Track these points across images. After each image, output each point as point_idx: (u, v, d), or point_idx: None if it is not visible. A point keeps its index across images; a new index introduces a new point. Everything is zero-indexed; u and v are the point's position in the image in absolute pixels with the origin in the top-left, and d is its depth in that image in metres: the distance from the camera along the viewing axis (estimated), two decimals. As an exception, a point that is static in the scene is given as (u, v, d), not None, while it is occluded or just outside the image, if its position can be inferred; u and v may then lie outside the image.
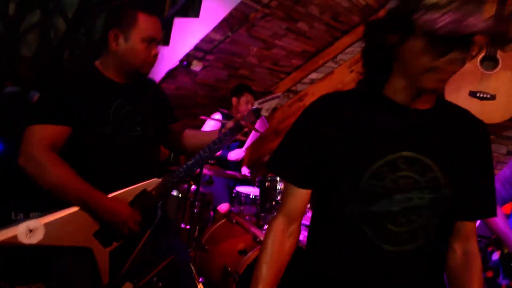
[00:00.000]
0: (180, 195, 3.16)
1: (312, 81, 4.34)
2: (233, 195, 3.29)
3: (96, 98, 1.51)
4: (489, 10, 2.83)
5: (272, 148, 4.50)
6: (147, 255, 1.58)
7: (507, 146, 3.32)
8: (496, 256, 1.96)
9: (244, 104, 3.46)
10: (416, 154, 0.96)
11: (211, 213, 3.37)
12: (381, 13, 1.03)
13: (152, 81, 1.79)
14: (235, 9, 3.07)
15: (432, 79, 0.91)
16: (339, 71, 4.17)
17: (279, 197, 2.75)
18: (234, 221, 2.67)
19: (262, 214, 2.83)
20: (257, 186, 2.95)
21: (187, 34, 3.29)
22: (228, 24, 3.22)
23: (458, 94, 3.07)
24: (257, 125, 1.87)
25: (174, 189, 2.95)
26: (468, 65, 3.04)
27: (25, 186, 2.20)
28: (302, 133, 1.05)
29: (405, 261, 0.97)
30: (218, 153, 3.30)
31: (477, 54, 3.03)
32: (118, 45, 1.54)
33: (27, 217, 2.04)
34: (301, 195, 1.07)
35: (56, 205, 1.44)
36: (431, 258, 1.01)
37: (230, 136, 1.64)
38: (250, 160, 3.64)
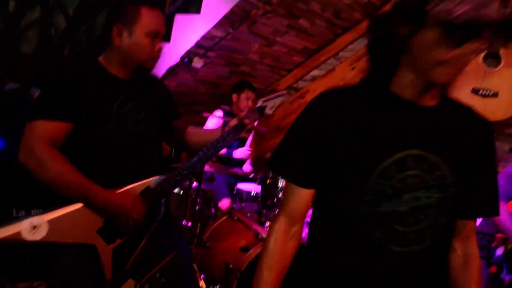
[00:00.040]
0: (181, 192, 3.16)
1: (314, 78, 4.33)
2: (234, 192, 3.29)
3: (100, 95, 1.50)
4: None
5: (273, 146, 4.49)
6: (150, 252, 1.57)
7: (509, 143, 3.31)
8: (500, 251, 1.96)
9: (244, 100, 3.46)
10: (424, 152, 0.94)
11: (213, 210, 3.37)
12: (383, 10, 1.00)
13: (155, 77, 1.78)
14: (236, 5, 3.05)
15: (445, 72, 0.88)
16: (341, 68, 4.16)
17: (280, 194, 2.74)
18: (235, 218, 2.67)
19: (264, 211, 2.83)
20: (259, 183, 2.94)
21: (188, 31, 3.27)
22: (229, 21, 3.20)
23: (460, 91, 3.06)
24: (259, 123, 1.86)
25: (177, 187, 2.95)
26: (470, 62, 3.02)
27: (26, 183, 2.19)
28: (303, 130, 1.02)
29: (412, 262, 0.95)
30: (223, 151, 3.31)
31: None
32: (122, 40, 1.52)
33: (28, 215, 2.04)
34: (304, 195, 1.04)
35: (57, 202, 1.43)
36: (437, 258, 1.00)
37: (234, 134, 1.64)
38: (252, 157, 3.63)
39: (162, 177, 1.59)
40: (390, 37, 0.92)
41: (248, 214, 2.91)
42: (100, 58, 1.59)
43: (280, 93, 1.69)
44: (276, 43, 3.79)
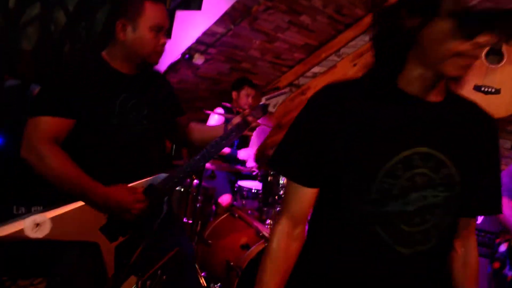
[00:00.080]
0: (182, 190, 3.15)
1: (315, 75, 4.32)
2: (235, 189, 3.28)
3: (102, 90, 1.49)
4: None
5: (275, 142, 4.49)
6: (152, 249, 1.56)
7: (511, 140, 3.30)
8: (503, 247, 1.97)
9: (244, 97, 3.46)
10: (431, 150, 0.91)
11: (213, 207, 3.36)
12: (386, 4, 0.96)
13: (159, 73, 1.77)
14: (237, 2, 3.04)
15: (457, 64, 0.85)
16: (342, 64, 4.14)
17: (281, 192, 2.74)
18: (236, 215, 2.66)
19: (265, 209, 2.82)
20: (260, 181, 2.93)
21: (189, 27, 3.26)
22: (230, 17, 3.19)
23: (462, 88, 3.04)
24: (262, 121, 1.85)
25: (180, 185, 2.95)
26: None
27: (26, 180, 2.19)
28: (304, 126, 0.98)
29: (417, 263, 0.93)
30: (227, 151, 3.32)
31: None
32: (126, 35, 1.51)
33: (28, 212, 2.04)
34: (306, 194, 0.99)
35: (58, 199, 1.43)
36: (441, 258, 0.99)
37: (237, 132, 1.63)
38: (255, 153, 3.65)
39: (165, 175, 1.58)
40: (397, 29, 0.88)
41: (249, 212, 2.90)
42: (103, 53, 1.57)
43: (283, 90, 1.69)
44: (277, 40, 3.78)
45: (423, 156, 0.91)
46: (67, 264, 1.46)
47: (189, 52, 3.29)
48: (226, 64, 3.84)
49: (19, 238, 1.34)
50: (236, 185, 3.30)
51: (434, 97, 0.94)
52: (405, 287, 0.94)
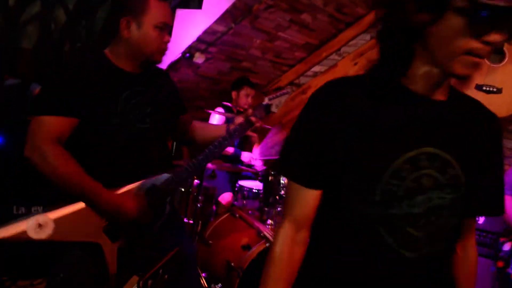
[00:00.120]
0: (183, 190, 3.14)
1: (315, 74, 4.30)
2: (236, 189, 3.27)
3: (105, 89, 1.48)
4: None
5: (275, 142, 4.48)
6: (153, 249, 1.56)
7: (513, 140, 3.29)
8: (507, 247, 1.97)
9: (243, 97, 3.46)
10: (438, 150, 0.88)
11: (214, 207, 3.35)
12: (380, 9, 0.94)
13: (162, 71, 1.76)
14: (238, 0, 3.02)
15: (467, 63, 0.82)
16: (343, 63, 4.13)
17: (282, 191, 2.73)
18: (237, 215, 2.65)
19: (266, 209, 2.81)
20: (260, 180, 2.92)
21: (190, 26, 3.25)
22: (231, 15, 3.17)
23: (463, 88, 3.03)
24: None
25: (183, 185, 2.94)
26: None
27: (26, 180, 2.18)
28: (305, 125, 0.95)
29: (422, 266, 0.91)
30: (231, 150, 3.31)
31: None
32: (130, 32, 1.50)
33: (28, 212, 2.03)
34: (309, 197, 0.95)
35: (58, 199, 1.42)
36: (446, 260, 0.97)
37: (240, 132, 1.63)
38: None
39: (167, 175, 1.57)
40: (404, 24, 0.84)
41: (250, 212, 2.89)
42: (106, 51, 1.56)
43: (285, 90, 1.69)
44: (278, 38, 3.76)
45: (430, 157, 0.88)
46: (68, 264, 1.45)
47: (190, 51, 3.28)
48: (227, 63, 3.83)
49: (22, 240, 1.33)
50: (236, 184, 3.29)
51: (439, 95, 0.91)
52: None
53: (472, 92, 3.01)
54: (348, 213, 0.91)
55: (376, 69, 0.90)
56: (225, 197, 3.31)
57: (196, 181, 2.89)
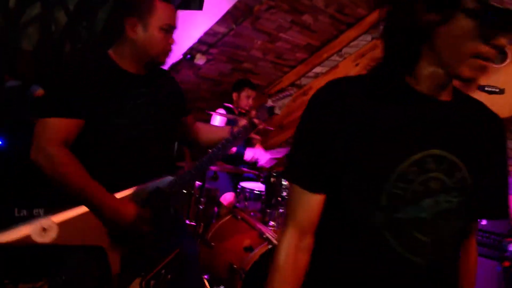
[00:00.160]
0: (185, 191, 3.13)
1: (317, 75, 4.30)
2: (238, 190, 3.26)
3: (110, 89, 1.47)
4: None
5: (276, 143, 4.47)
6: (155, 251, 1.55)
7: (516, 141, 3.28)
8: None
9: (244, 99, 3.46)
10: (444, 152, 0.85)
11: (215, 209, 3.34)
12: (385, 8, 0.92)
13: (166, 72, 1.76)
14: (239, 1, 3.02)
15: (475, 66, 0.80)
16: (344, 64, 4.12)
17: (284, 193, 2.71)
18: (239, 217, 2.64)
19: (268, 210, 2.79)
20: (262, 182, 2.90)
21: (191, 27, 3.24)
22: (232, 16, 3.17)
23: (465, 88, 3.02)
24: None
25: (187, 187, 2.93)
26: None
27: (27, 182, 2.17)
28: (306, 126, 0.91)
29: (431, 273, 0.88)
30: (233, 149, 3.30)
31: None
32: (136, 34, 1.50)
33: (30, 214, 2.02)
34: (313, 201, 0.91)
35: (59, 201, 1.41)
36: (454, 266, 0.94)
37: (244, 134, 1.63)
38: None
39: (171, 177, 1.57)
40: (412, 23, 0.81)
41: (252, 213, 2.88)
42: (110, 52, 1.55)
43: (288, 92, 1.68)
44: (279, 39, 3.76)
45: (436, 159, 0.85)
46: (70, 267, 1.44)
47: (191, 52, 3.28)
48: (228, 65, 3.82)
49: (28, 243, 1.32)
50: (238, 186, 3.28)
51: (444, 96, 0.89)
52: None
53: (474, 93, 3.00)
54: (352, 218, 0.88)
55: (379, 68, 0.88)
56: (227, 198, 3.30)
57: (198, 183, 2.88)
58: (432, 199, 0.85)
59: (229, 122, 3.27)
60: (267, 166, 3.50)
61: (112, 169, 1.47)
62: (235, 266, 2.26)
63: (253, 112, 1.64)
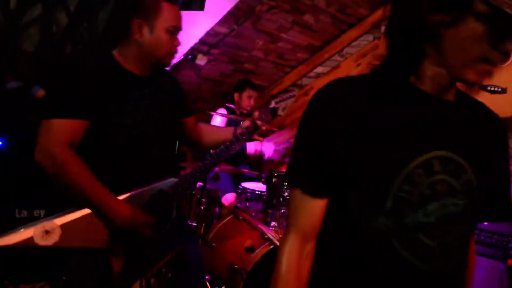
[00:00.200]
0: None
1: (318, 75, 4.29)
2: (239, 190, 3.25)
3: (114, 91, 1.46)
4: None
5: (277, 143, 4.46)
6: (160, 253, 1.54)
7: (518, 140, 3.27)
8: None
9: (246, 99, 3.46)
10: (450, 153, 0.83)
11: (217, 209, 3.33)
12: (389, 5, 0.88)
13: (169, 73, 1.75)
14: (240, 1, 3.02)
15: (481, 70, 0.78)
16: (345, 64, 4.11)
17: (286, 193, 2.70)
18: (240, 217, 2.63)
19: (269, 211, 2.78)
20: (264, 182, 2.90)
21: (192, 28, 3.24)
22: (233, 17, 3.17)
23: (469, 91, 3.01)
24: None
25: (190, 189, 2.92)
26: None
27: (28, 183, 2.16)
28: (307, 126, 0.89)
29: (437, 279, 0.85)
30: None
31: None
32: (142, 35, 1.49)
33: (31, 215, 2.01)
34: (316, 206, 0.88)
35: (60, 202, 1.41)
36: (461, 269, 0.91)
37: (247, 135, 1.62)
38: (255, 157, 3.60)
39: (175, 179, 1.57)
40: (419, 23, 0.79)
41: (253, 214, 2.87)
42: (114, 53, 1.54)
43: (291, 93, 1.68)
44: (280, 40, 3.75)
45: (443, 161, 0.82)
46: (71, 268, 1.44)
47: (192, 53, 3.27)
48: (229, 65, 3.82)
49: (30, 246, 1.32)
50: (239, 186, 3.27)
51: (448, 96, 0.87)
52: None
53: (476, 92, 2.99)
54: (355, 222, 0.85)
55: (382, 67, 0.86)
56: (228, 198, 3.29)
57: (199, 183, 2.87)
58: (439, 203, 0.82)
59: (230, 123, 3.26)
60: (276, 158, 3.45)
61: (114, 169, 1.47)
62: (236, 267, 2.25)
63: (256, 114, 1.64)
